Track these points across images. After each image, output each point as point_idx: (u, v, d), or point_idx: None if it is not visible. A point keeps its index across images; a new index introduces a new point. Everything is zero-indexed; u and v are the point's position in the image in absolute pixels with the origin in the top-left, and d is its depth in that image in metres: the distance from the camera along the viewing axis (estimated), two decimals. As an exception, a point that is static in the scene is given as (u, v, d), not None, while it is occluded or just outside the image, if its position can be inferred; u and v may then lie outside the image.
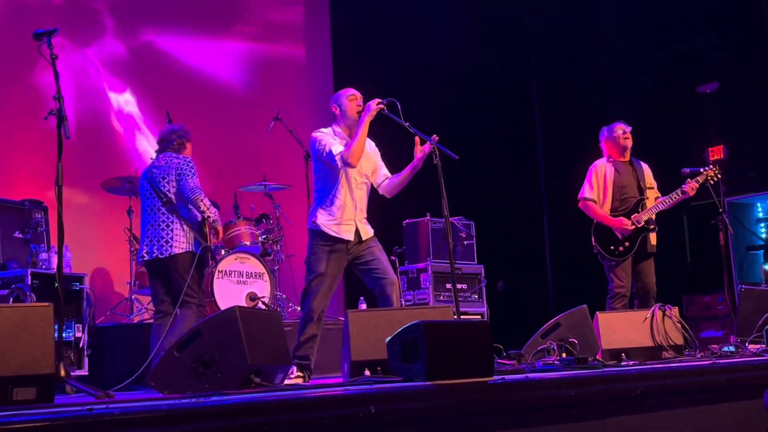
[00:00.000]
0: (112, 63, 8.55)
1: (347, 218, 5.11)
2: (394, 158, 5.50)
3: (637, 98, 10.55)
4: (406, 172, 5.17)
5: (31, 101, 7.74)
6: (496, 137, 10.34)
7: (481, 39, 10.42)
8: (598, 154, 6.83)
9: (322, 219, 5.11)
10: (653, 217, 6.47)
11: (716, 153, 10.18)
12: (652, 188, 6.58)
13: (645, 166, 6.70)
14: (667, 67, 10.48)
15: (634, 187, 6.54)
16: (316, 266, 5.08)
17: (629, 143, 6.59)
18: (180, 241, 5.57)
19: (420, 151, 5.08)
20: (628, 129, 6.61)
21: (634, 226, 6.41)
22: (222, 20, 9.41)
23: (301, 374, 4.95)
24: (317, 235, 5.11)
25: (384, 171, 5.33)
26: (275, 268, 7.33)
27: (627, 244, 6.44)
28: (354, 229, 5.13)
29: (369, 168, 5.26)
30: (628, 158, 6.64)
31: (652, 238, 6.48)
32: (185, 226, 5.61)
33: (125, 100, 8.59)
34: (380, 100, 5.04)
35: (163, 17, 9.00)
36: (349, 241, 5.12)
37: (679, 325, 5.39)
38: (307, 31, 10.05)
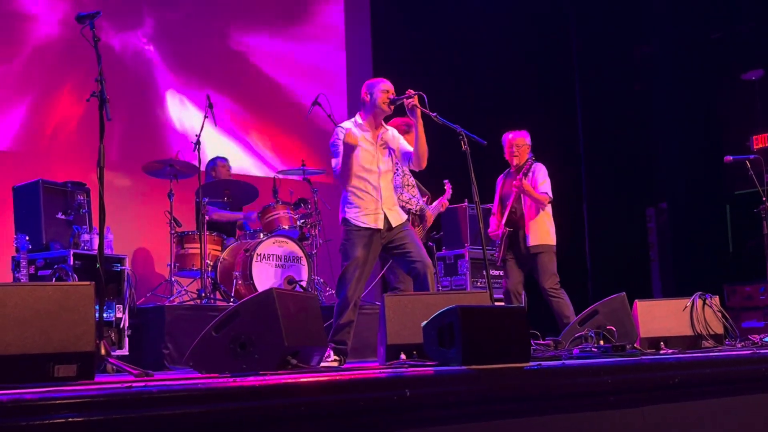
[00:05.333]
0: (154, 47, 8.62)
1: (375, 209, 5.15)
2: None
3: (681, 85, 10.41)
4: (415, 137, 5.15)
5: (75, 82, 7.84)
6: (535, 123, 10.25)
7: (522, 20, 10.33)
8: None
9: (350, 213, 5.17)
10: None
11: (761, 141, 10.03)
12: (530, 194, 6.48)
13: (536, 170, 6.55)
14: (711, 53, 10.32)
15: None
16: (351, 252, 5.11)
17: (512, 160, 6.63)
18: None
19: (409, 111, 5.09)
20: (513, 144, 6.59)
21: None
22: (263, 4, 9.43)
23: (337, 358, 4.98)
24: (349, 224, 5.17)
25: (407, 149, 5.33)
26: (313, 252, 7.35)
27: None
28: (382, 217, 5.16)
29: (392, 153, 5.28)
30: (516, 165, 6.63)
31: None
32: None
33: (167, 84, 8.66)
34: (409, 92, 5.08)
35: (206, 2, 9.05)
36: (380, 230, 5.15)
37: (719, 315, 5.33)
38: (347, 14, 10.03)
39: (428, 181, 6.87)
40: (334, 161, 5.17)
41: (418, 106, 5.07)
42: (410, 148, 5.29)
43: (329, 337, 5.01)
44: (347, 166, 5.09)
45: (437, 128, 5.17)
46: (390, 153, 5.27)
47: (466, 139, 4.98)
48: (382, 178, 5.22)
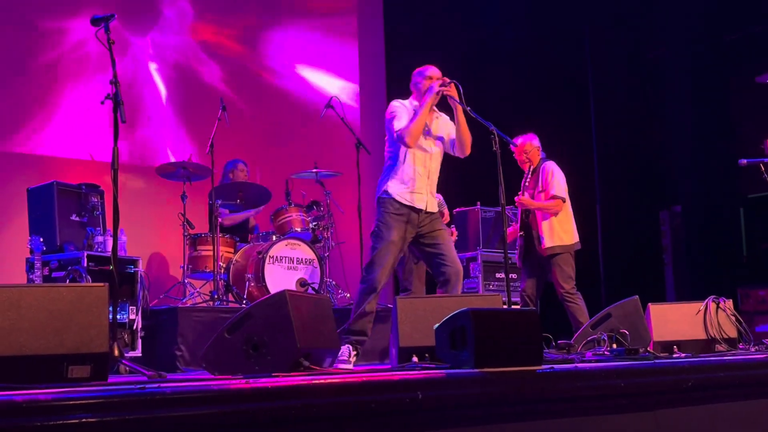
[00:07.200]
0: (167, 49, 8.65)
1: (419, 187, 5.11)
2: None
3: (695, 87, 10.36)
4: (456, 124, 5.15)
5: (89, 85, 7.88)
6: (548, 126, 10.27)
7: (536, 24, 10.31)
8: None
9: (395, 188, 5.10)
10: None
11: (775, 145, 9.97)
12: (543, 191, 6.44)
13: (544, 172, 6.50)
14: (725, 55, 10.27)
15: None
16: (386, 234, 5.01)
17: (525, 167, 6.60)
18: None
19: (449, 97, 5.10)
20: (516, 148, 6.51)
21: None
22: (274, 8, 9.45)
23: (356, 352, 4.92)
24: (388, 203, 5.08)
25: (453, 137, 5.34)
26: (325, 254, 7.36)
27: None
28: (425, 198, 5.13)
29: (441, 140, 5.27)
30: (529, 170, 6.59)
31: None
32: None
33: (181, 86, 8.68)
34: (444, 80, 5.06)
35: (216, 4, 9.08)
36: (420, 211, 5.10)
37: (733, 318, 5.31)
38: (360, 18, 10.04)
39: (449, 180, 6.89)
40: (397, 124, 5.10)
41: (452, 96, 5.06)
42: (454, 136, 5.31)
43: (347, 326, 4.97)
44: (422, 123, 5.09)
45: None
46: (440, 138, 5.26)
47: (497, 139, 4.95)
48: (433, 160, 5.23)
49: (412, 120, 5.07)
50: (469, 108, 5.03)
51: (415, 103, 5.24)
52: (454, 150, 5.26)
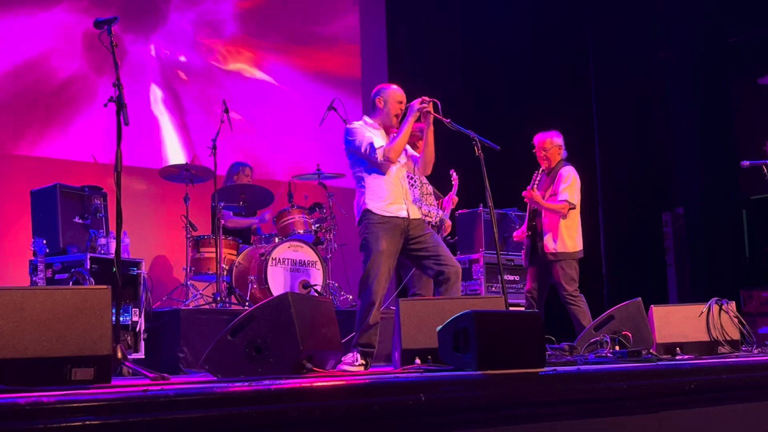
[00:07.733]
0: (171, 52, 8.66)
1: (396, 198, 5.12)
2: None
3: (698, 89, 10.36)
4: (424, 143, 5.22)
5: (92, 87, 7.89)
6: (549, 126, 10.27)
7: (539, 26, 10.31)
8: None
9: (373, 204, 5.09)
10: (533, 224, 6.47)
11: (777, 146, 9.98)
12: (554, 195, 6.39)
13: (561, 175, 6.45)
14: (729, 57, 10.27)
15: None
16: (374, 245, 5.00)
17: (542, 164, 6.54)
18: None
19: (423, 117, 5.14)
20: (540, 147, 6.52)
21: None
22: (279, 10, 9.46)
23: (363, 362, 4.90)
24: (371, 216, 5.08)
25: (413, 153, 5.40)
26: (328, 256, 7.36)
27: None
28: (405, 207, 5.14)
29: (403, 154, 5.29)
30: (546, 169, 6.55)
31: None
32: None
33: (184, 88, 8.70)
34: (424, 99, 5.10)
35: (221, 17, 9.09)
36: (404, 219, 5.10)
37: (736, 320, 5.31)
38: (362, 20, 10.05)
39: (441, 186, 6.88)
40: (377, 143, 5.11)
41: (432, 113, 5.10)
42: (416, 153, 5.32)
43: (355, 341, 4.98)
44: (406, 139, 5.12)
45: (453, 133, 5.19)
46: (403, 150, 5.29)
47: (479, 145, 5.01)
48: (400, 170, 5.25)
49: (397, 137, 5.11)
50: (449, 120, 5.09)
51: (370, 120, 5.29)
52: (416, 167, 5.34)
